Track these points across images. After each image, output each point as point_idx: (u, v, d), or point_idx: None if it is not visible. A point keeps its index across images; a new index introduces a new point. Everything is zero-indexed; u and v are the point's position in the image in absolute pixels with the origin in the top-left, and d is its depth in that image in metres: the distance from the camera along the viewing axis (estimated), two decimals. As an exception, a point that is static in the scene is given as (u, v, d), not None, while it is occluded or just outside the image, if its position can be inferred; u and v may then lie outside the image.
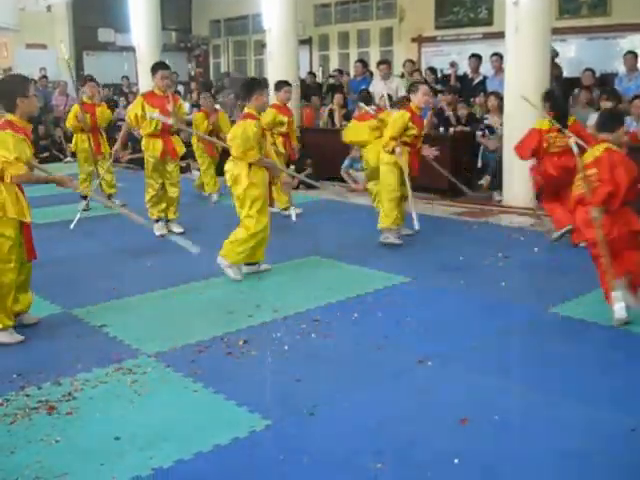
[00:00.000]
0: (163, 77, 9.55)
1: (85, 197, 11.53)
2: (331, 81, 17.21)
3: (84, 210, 11.23)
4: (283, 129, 10.86)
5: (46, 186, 7.12)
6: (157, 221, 9.77)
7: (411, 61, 15.74)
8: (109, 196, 11.71)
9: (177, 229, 9.76)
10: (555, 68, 12.26)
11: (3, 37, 23.59)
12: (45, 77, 20.81)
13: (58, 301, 7.09)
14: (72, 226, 9.79)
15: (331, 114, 14.62)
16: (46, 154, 16.28)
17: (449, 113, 12.67)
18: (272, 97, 11.07)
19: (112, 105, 18.26)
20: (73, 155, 12.03)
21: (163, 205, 9.81)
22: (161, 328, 6.31)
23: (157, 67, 9.77)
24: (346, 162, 12.84)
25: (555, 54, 12.78)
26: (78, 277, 7.95)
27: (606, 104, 10.22)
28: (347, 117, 14.07)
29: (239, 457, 4.17)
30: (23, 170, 5.96)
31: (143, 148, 9.81)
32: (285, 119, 10.82)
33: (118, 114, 18.06)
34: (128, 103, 18.65)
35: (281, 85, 10.94)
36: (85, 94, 12.01)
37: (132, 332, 6.21)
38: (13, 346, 5.98)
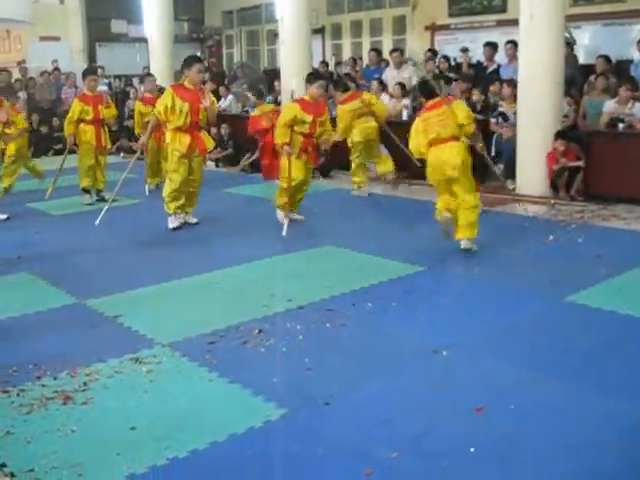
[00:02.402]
0: (199, 71, 9.49)
1: (87, 191, 11.59)
2: (345, 70, 17.15)
3: (98, 201, 11.31)
4: (304, 129, 9.40)
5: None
6: (174, 214, 9.62)
7: (431, 50, 15.67)
8: (99, 191, 11.78)
9: (193, 220, 9.75)
10: (570, 55, 12.21)
11: (17, 30, 23.63)
12: (57, 69, 20.81)
13: (72, 292, 7.10)
14: (97, 222, 9.77)
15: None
16: (60, 145, 16.28)
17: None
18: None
19: (123, 96, 18.34)
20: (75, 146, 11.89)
21: (182, 200, 9.61)
22: (176, 318, 6.31)
23: (193, 60, 9.58)
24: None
25: (573, 42, 12.73)
26: (92, 268, 7.96)
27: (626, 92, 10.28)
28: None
29: (254, 447, 4.16)
30: None
31: (167, 141, 9.58)
32: (309, 118, 9.35)
33: (129, 105, 18.09)
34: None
35: (313, 78, 9.77)
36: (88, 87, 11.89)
37: (147, 322, 6.22)
38: (28, 337, 5.99)
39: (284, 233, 8.88)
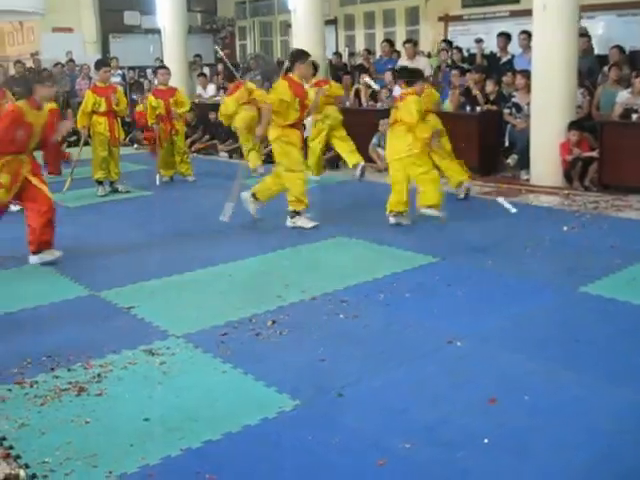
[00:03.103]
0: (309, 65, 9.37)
1: (101, 182, 11.62)
2: (359, 61, 17.13)
3: (112, 192, 11.36)
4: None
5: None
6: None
7: (446, 41, 15.62)
8: (112, 182, 11.80)
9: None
10: (587, 46, 12.18)
11: (30, 21, 23.71)
12: (72, 60, 20.86)
13: (86, 283, 7.12)
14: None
15: (357, 94, 14.55)
16: (74, 137, 16.31)
17: (476, 92, 12.56)
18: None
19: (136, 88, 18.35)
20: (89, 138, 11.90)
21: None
22: (189, 309, 6.32)
23: (304, 55, 9.22)
24: (374, 140, 12.74)
25: (584, 31, 12.67)
26: (106, 259, 7.98)
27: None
28: (373, 97, 14.02)
29: (268, 438, 4.16)
30: None
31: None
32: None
33: (142, 98, 18.10)
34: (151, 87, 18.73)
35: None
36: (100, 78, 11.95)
37: (160, 314, 6.23)
38: (42, 328, 6.02)
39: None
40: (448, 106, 12.53)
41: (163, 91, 12.63)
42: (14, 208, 10.17)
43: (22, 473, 3.85)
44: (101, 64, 12.23)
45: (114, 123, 11.73)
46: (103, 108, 11.53)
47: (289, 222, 8.87)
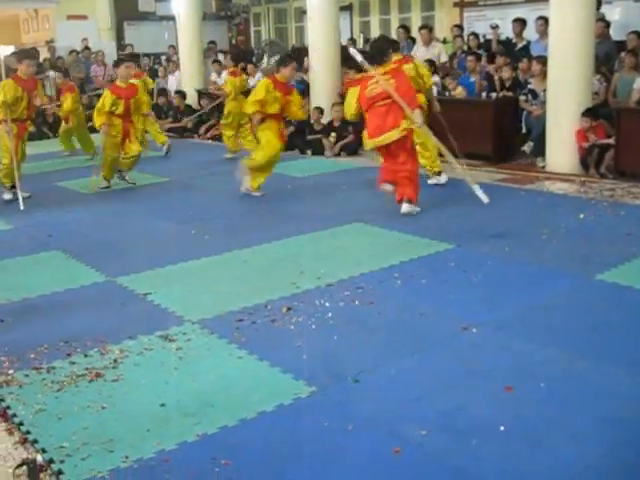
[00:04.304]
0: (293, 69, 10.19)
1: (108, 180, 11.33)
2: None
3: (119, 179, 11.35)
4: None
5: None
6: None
7: (458, 26, 15.57)
8: (119, 171, 11.51)
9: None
10: (604, 33, 12.10)
11: (44, 9, 23.73)
12: (88, 48, 20.89)
13: (102, 269, 7.15)
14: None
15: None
16: (90, 124, 16.36)
17: (497, 77, 12.50)
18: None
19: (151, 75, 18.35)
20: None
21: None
22: (205, 295, 6.33)
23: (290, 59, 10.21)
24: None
25: (601, 16, 12.59)
26: (122, 246, 8.01)
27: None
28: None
29: (284, 424, 4.17)
30: None
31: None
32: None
33: (158, 84, 18.14)
34: (167, 73, 18.78)
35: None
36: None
37: (176, 300, 6.25)
38: (59, 314, 6.04)
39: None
40: (460, 92, 12.46)
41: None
42: (24, 194, 10.16)
43: (39, 458, 3.87)
44: (125, 59, 11.54)
45: (129, 129, 11.07)
46: (120, 111, 10.87)
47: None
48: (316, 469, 3.75)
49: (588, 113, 10.19)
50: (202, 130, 16.31)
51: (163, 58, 21.21)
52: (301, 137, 13.61)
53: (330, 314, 5.74)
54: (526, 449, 3.82)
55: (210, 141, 15.67)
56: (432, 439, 3.94)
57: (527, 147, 11.53)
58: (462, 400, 4.35)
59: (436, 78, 12.96)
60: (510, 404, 4.28)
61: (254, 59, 19.37)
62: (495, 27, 14.41)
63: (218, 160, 13.13)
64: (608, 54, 11.97)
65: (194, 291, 6.48)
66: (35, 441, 4.10)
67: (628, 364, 4.73)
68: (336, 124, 13.09)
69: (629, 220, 8.01)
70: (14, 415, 4.42)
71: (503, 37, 14.52)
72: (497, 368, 4.74)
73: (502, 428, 4.00)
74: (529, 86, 11.71)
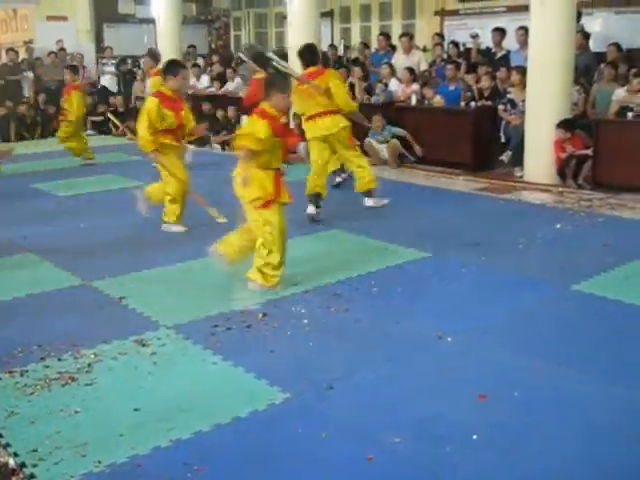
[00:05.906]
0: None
1: None
2: (354, 54, 17.09)
3: None
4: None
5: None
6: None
7: (438, 34, 15.63)
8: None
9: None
10: (584, 44, 12.16)
11: (23, 9, 23.57)
12: (63, 49, 20.74)
13: (78, 273, 7.11)
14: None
15: (352, 87, 14.49)
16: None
17: (475, 87, 12.55)
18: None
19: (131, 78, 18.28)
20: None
21: None
22: (180, 300, 6.31)
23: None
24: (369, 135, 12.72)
25: (581, 28, 12.66)
26: (98, 249, 7.95)
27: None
28: (368, 90, 13.99)
29: (258, 430, 4.16)
30: None
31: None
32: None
33: (135, 88, 18.07)
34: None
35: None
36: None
37: (151, 304, 6.22)
38: (33, 317, 6.00)
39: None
40: (439, 101, 12.50)
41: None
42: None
43: (11, 461, 3.84)
44: (178, 65, 8.88)
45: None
46: (173, 125, 8.49)
47: None
48: (290, 475, 3.74)
49: (562, 125, 10.25)
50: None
51: (142, 61, 21.10)
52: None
53: (306, 320, 5.73)
54: (500, 456, 3.83)
55: (189, 146, 15.61)
56: (406, 446, 3.94)
57: (505, 156, 11.58)
58: (436, 407, 4.36)
59: (415, 86, 13.02)
60: (485, 412, 4.29)
61: (233, 64, 19.33)
62: (475, 36, 14.45)
63: (197, 164, 13.06)
64: (587, 65, 12.04)
65: (170, 296, 6.46)
66: (7, 445, 4.06)
67: (603, 373, 4.76)
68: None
69: (606, 231, 8.06)
70: (-14, 418, 4.39)
71: (483, 46, 14.57)
72: (472, 376, 4.75)
73: (475, 436, 4.01)
74: (508, 96, 11.76)
